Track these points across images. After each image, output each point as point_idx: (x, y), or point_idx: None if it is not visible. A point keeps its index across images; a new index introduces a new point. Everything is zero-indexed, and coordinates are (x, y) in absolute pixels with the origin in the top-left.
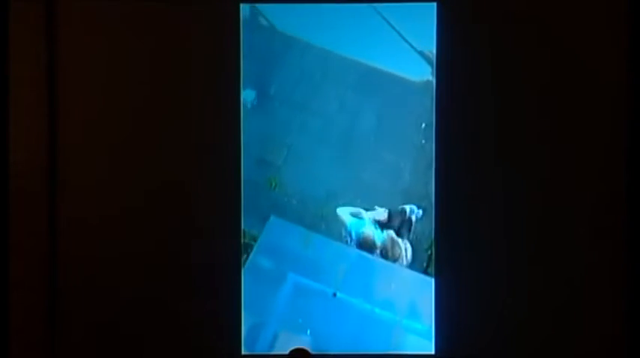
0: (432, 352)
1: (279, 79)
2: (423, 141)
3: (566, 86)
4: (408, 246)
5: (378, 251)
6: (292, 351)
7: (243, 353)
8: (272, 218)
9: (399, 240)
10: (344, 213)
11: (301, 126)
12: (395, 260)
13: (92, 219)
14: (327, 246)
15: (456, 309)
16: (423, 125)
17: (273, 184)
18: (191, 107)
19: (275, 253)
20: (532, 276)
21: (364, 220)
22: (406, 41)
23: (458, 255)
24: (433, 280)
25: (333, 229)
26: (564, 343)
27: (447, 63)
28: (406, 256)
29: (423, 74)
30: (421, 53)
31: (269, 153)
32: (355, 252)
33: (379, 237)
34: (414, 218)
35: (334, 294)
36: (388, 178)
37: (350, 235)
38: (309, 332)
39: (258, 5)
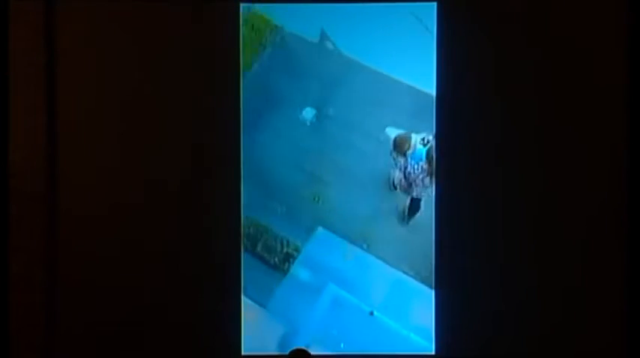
0: (432, 352)
1: (338, 99)
2: None
3: (566, 86)
4: None
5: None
6: (292, 351)
7: (243, 353)
8: (319, 229)
9: None
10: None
11: (349, 145)
12: None
13: (92, 219)
14: (369, 264)
15: (456, 311)
16: None
17: (317, 198)
18: (191, 106)
19: (317, 264)
20: (532, 277)
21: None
22: None
23: (459, 257)
24: None
25: (375, 245)
26: (564, 345)
27: (448, 63)
28: None
29: None
30: None
31: (317, 168)
32: (396, 273)
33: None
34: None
35: (371, 313)
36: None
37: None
38: (342, 345)
39: (327, 30)
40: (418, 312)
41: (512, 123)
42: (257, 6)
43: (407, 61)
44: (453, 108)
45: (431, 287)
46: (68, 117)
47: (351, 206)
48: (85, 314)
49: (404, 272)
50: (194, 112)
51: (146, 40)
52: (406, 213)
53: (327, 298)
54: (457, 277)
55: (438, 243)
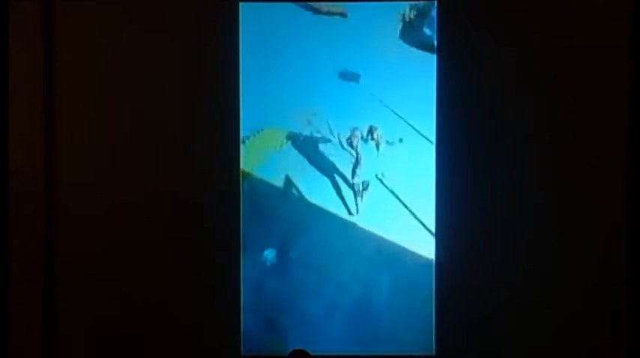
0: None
1: (299, 242)
2: None
3: (566, 85)
4: None
5: None
6: (292, 351)
7: (242, 353)
8: None
9: None
10: None
11: (316, 288)
12: None
13: (91, 218)
14: None
15: (456, 309)
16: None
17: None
18: (190, 106)
19: None
20: (532, 277)
21: None
22: None
23: (458, 256)
24: None
25: None
26: (564, 344)
27: (448, 61)
28: None
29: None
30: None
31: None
32: None
33: None
34: None
35: None
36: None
37: None
38: None
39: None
40: None
41: (513, 122)
42: None
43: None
44: (453, 108)
45: None
46: (68, 117)
47: None
48: (85, 314)
49: None
50: (193, 113)
51: (145, 39)
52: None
53: None
54: (457, 277)
55: (439, 243)
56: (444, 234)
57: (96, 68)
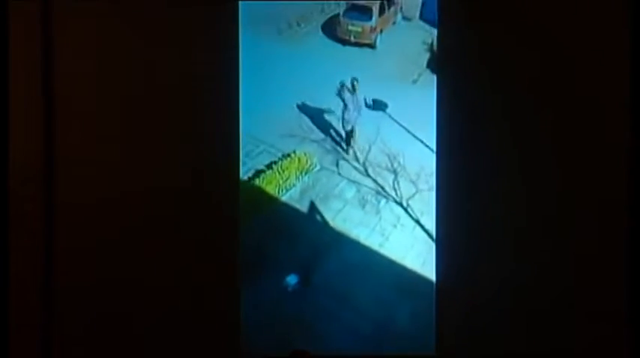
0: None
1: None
2: None
3: (566, 84)
4: None
5: None
6: (292, 352)
7: (242, 353)
8: None
9: None
10: None
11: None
12: None
13: (91, 219)
14: None
15: (456, 310)
16: None
17: None
18: (189, 106)
19: None
20: (532, 277)
21: None
22: None
23: (458, 256)
24: None
25: None
26: (564, 344)
27: (449, 59)
28: None
29: None
30: None
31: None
32: None
33: None
34: None
35: None
36: None
37: None
38: None
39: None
40: None
41: (513, 122)
42: None
43: None
44: (453, 108)
45: None
46: (67, 117)
47: None
48: (84, 314)
49: None
50: (193, 112)
51: (144, 39)
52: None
53: None
54: (458, 277)
55: (439, 243)
56: (444, 233)
57: (95, 68)
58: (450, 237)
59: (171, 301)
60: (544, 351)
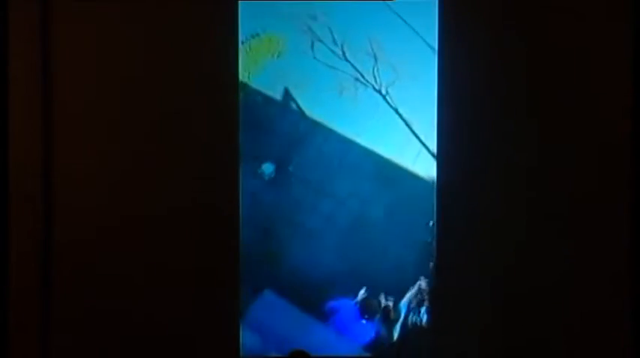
0: None
1: (300, 158)
2: (429, 240)
3: (567, 85)
4: None
5: None
6: (292, 352)
7: (240, 355)
8: (266, 291)
9: None
10: None
11: (312, 207)
12: None
13: (90, 219)
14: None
15: (454, 308)
16: (431, 223)
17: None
18: (188, 106)
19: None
20: (532, 277)
21: None
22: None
23: (458, 255)
24: None
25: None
26: (565, 344)
27: (450, 59)
28: None
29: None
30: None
31: (275, 226)
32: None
33: None
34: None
35: None
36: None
37: None
38: None
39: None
40: None
41: (513, 121)
42: None
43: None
44: (453, 108)
45: None
46: (67, 117)
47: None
48: (83, 315)
49: None
50: (192, 112)
51: (144, 39)
52: None
53: None
54: (456, 277)
55: (439, 242)
56: (444, 234)
57: (95, 68)
58: (448, 237)
59: (172, 301)
60: (544, 349)
